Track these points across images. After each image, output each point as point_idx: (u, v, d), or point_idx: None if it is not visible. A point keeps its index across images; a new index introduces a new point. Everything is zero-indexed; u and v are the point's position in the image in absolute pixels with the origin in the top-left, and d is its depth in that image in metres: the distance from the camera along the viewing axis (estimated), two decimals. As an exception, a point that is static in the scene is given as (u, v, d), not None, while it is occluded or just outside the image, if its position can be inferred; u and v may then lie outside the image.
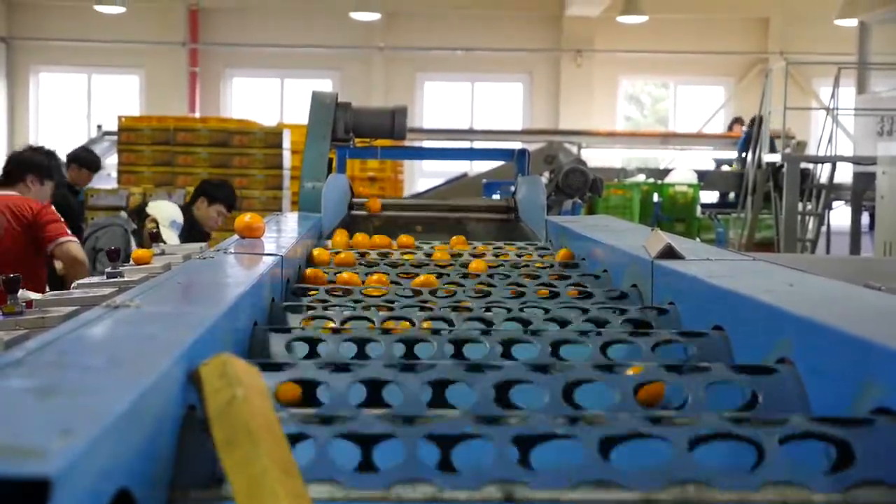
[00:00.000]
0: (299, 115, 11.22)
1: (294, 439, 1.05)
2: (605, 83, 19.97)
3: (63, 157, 6.10)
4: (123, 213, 6.71)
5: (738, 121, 16.84)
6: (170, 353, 1.07)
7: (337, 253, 2.79)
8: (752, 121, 14.99)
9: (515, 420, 1.09)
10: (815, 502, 1.02)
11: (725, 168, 15.35)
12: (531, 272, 2.53)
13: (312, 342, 1.58)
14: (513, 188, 4.51)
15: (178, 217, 6.38)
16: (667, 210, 13.23)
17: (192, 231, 6.25)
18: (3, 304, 2.09)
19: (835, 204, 12.88)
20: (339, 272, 2.41)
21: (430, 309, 1.95)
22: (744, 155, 14.89)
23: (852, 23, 14.21)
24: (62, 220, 5.29)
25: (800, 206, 11.82)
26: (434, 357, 1.55)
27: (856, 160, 11.97)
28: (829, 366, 1.24)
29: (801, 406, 1.28)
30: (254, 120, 12.71)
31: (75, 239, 5.30)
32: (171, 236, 6.02)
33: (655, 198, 13.39)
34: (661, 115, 21.19)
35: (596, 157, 16.37)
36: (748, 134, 14.74)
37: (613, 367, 1.33)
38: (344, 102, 4.56)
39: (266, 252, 2.21)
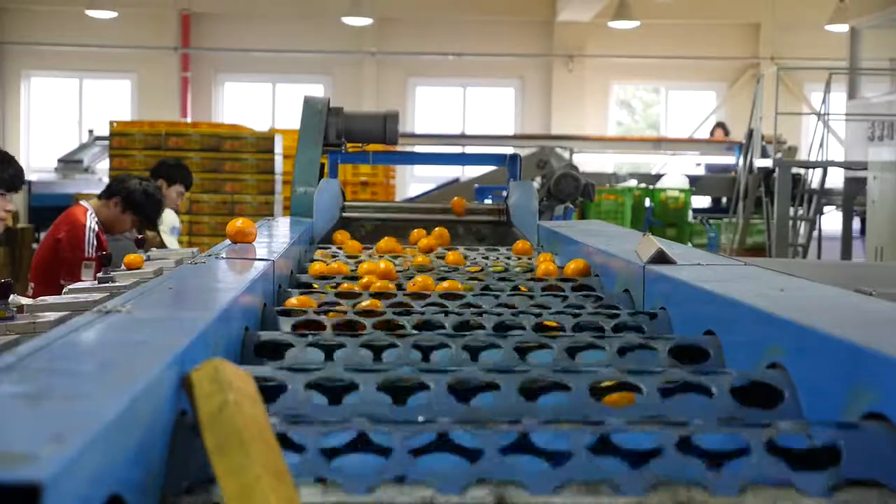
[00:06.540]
0: (291, 119, 11.18)
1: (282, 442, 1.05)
2: (596, 88, 19.99)
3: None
4: None
5: (720, 126, 16.85)
6: (161, 358, 1.06)
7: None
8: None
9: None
10: (807, 507, 1.03)
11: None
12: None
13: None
14: (505, 193, 4.50)
15: (177, 223, 6.36)
16: (658, 215, 13.25)
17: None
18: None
19: (826, 209, 12.91)
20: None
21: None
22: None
23: (843, 28, 14.25)
24: (77, 258, 5.12)
25: (791, 210, 11.83)
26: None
27: (847, 165, 12.00)
28: (821, 371, 1.24)
29: (793, 411, 1.28)
30: (245, 125, 12.70)
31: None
32: (171, 242, 6.02)
33: (647, 203, 13.41)
34: (653, 120, 21.21)
35: (588, 162, 16.37)
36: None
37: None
38: (335, 107, 4.55)
39: (258, 257, 2.21)
